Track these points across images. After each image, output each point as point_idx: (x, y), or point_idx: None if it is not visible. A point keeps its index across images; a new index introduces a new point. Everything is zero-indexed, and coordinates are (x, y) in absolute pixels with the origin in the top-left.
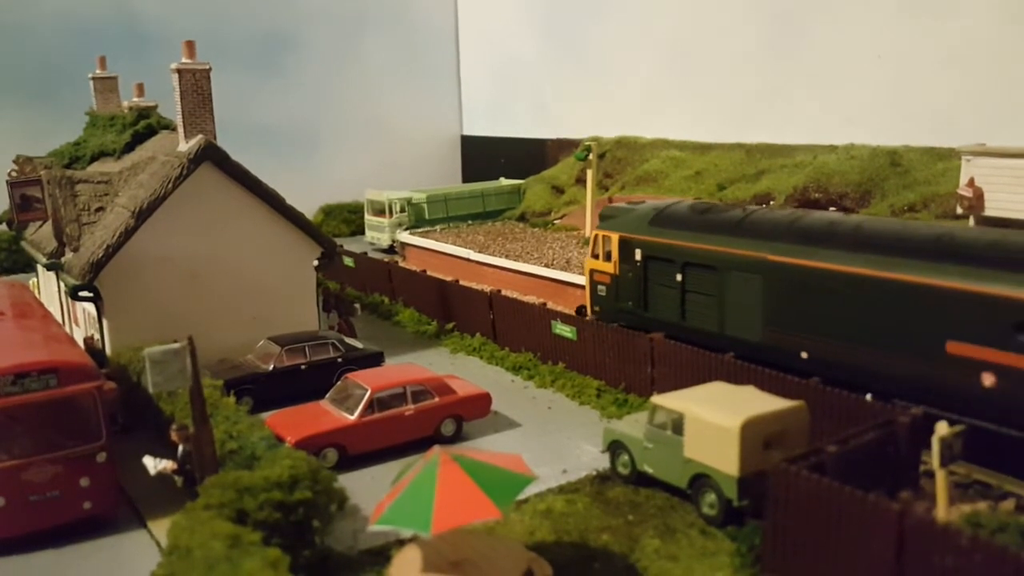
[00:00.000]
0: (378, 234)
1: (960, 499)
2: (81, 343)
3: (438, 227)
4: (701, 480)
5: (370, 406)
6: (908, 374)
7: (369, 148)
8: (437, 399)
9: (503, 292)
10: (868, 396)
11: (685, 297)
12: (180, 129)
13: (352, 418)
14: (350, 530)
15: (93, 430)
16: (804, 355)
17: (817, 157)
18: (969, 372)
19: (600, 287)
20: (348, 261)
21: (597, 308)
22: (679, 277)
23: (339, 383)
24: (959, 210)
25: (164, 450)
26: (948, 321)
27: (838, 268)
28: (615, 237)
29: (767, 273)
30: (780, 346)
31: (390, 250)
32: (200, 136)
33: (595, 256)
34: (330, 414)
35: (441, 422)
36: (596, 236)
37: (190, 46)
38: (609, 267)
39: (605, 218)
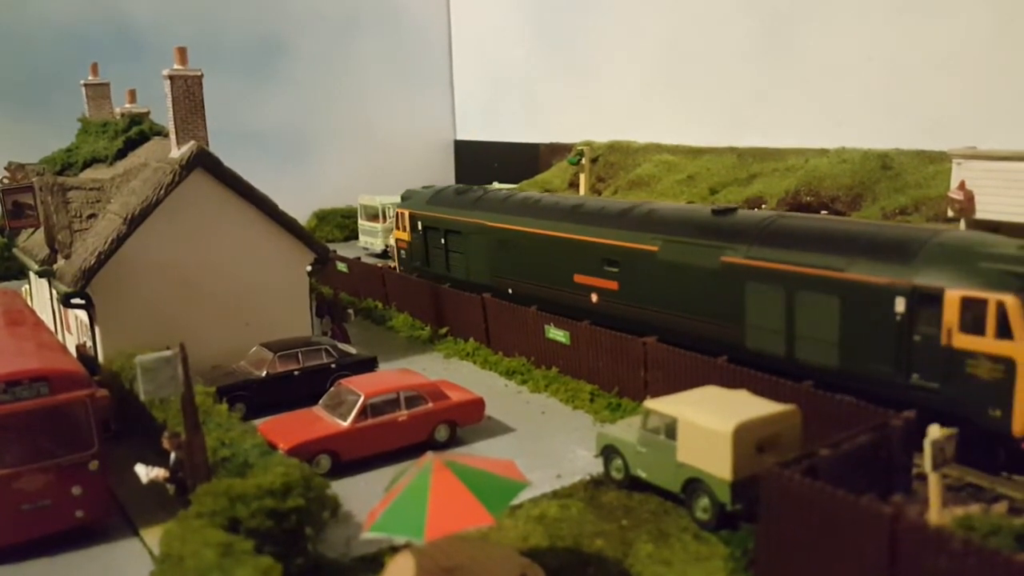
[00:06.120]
0: (371, 239)
1: (953, 502)
2: (73, 351)
3: None
4: (694, 484)
5: (363, 412)
6: (559, 298)
7: (362, 153)
8: (431, 404)
9: None
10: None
11: (448, 255)
12: (172, 135)
13: (345, 424)
14: (343, 537)
15: (85, 438)
16: (510, 291)
17: (808, 161)
18: (585, 293)
19: (402, 251)
20: (341, 266)
21: (401, 267)
22: (443, 241)
23: (332, 389)
24: (950, 213)
25: (156, 458)
26: (573, 260)
27: (519, 228)
28: (407, 213)
29: (488, 235)
30: (499, 286)
31: (383, 255)
32: (192, 142)
33: (398, 228)
34: (323, 420)
35: (435, 428)
36: (397, 213)
37: (182, 52)
38: (406, 236)
39: (403, 199)
